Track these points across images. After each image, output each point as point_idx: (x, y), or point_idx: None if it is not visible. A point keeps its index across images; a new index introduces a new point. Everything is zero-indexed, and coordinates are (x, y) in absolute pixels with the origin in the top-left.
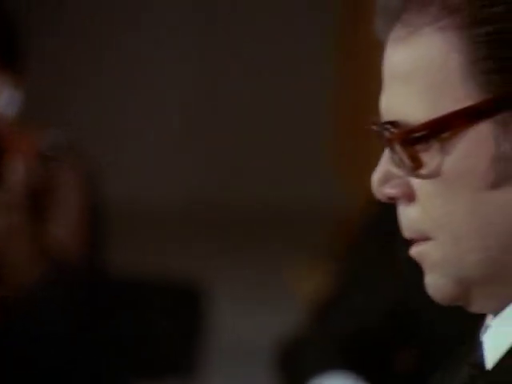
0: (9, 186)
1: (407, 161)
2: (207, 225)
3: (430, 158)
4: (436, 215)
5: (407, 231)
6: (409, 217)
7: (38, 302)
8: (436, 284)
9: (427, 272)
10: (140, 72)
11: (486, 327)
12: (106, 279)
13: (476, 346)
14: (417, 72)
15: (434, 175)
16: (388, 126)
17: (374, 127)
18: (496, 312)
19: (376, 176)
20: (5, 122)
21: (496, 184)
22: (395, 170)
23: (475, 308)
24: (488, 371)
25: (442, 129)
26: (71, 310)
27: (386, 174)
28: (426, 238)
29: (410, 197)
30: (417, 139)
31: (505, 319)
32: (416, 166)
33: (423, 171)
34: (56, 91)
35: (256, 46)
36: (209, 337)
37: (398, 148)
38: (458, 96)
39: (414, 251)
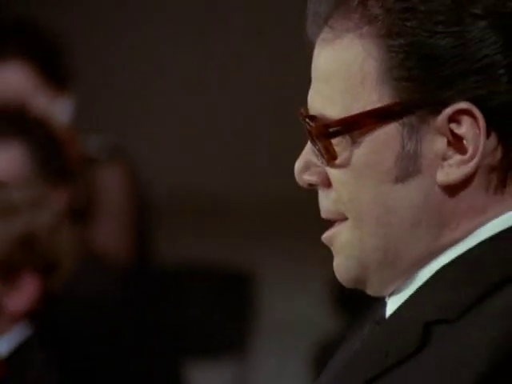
0: (67, 188)
1: (323, 152)
2: (252, 218)
3: (344, 150)
4: (345, 200)
5: (324, 213)
6: (325, 200)
7: (81, 296)
8: (341, 266)
9: (335, 255)
10: (177, 70)
11: (391, 293)
12: (154, 270)
13: (381, 308)
14: (337, 73)
15: (345, 166)
16: (308, 120)
17: (300, 119)
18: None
19: (298, 164)
20: (62, 130)
21: (399, 179)
22: (315, 160)
23: (374, 291)
24: (383, 320)
25: (354, 126)
26: (116, 303)
27: (306, 163)
28: (339, 219)
29: (327, 184)
30: (331, 133)
31: (403, 287)
32: (330, 157)
33: (337, 162)
34: (95, 96)
35: (259, 45)
36: (256, 318)
37: (316, 140)
38: (372, 98)
39: (326, 235)
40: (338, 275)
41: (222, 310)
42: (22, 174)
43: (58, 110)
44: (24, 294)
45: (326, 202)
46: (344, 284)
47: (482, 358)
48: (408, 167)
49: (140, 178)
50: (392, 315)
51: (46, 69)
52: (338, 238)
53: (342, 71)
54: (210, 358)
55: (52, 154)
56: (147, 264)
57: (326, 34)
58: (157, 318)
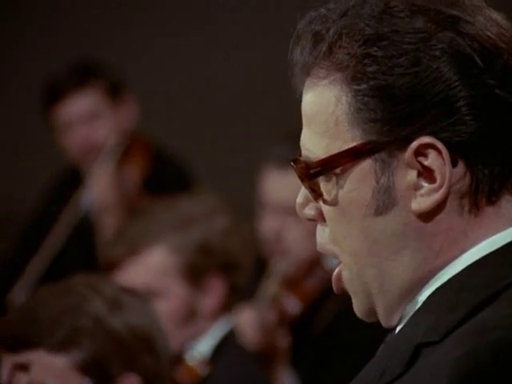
0: None
1: (309, 191)
2: None
3: (331, 189)
4: (338, 238)
5: (319, 246)
6: (321, 236)
7: None
8: (354, 304)
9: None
10: None
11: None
12: None
13: (393, 329)
14: (315, 117)
15: (334, 204)
16: (292, 163)
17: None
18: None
19: (298, 199)
20: None
21: (378, 212)
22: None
23: (383, 321)
24: (389, 341)
25: (331, 166)
26: None
27: (306, 198)
28: (331, 255)
29: (323, 219)
30: (313, 174)
31: (406, 311)
32: (316, 195)
33: (326, 200)
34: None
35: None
36: None
37: (302, 180)
38: (346, 138)
39: (334, 284)
40: (356, 314)
41: None
42: None
43: None
44: (213, 294)
45: (322, 238)
46: (364, 319)
47: (442, 377)
48: (384, 200)
49: None
50: (394, 336)
51: None
52: (343, 279)
53: (319, 116)
54: None
55: None
56: None
57: (308, 82)
58: None
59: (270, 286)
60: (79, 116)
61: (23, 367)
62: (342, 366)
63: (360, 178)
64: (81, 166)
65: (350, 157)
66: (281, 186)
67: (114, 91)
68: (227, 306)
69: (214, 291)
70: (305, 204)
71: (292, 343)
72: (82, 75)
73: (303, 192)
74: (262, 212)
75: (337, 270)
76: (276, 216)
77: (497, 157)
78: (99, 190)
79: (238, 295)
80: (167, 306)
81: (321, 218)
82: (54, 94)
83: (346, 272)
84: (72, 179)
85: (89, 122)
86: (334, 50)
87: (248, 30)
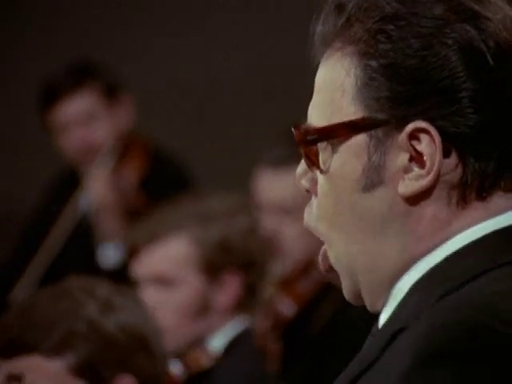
0: None
1: (304, 158)
2: None
3: (325, 159)
4: (327, 214)
5: (305, 224)
6: (309, 212)
7: None
8: (343, 287)
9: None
10: None
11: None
12: None
13: (376, 321)
14: (324, 87)
15: (325, 174)
16: (292, 129)
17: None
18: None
19: (298, 170)
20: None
21: (366, 188)
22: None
23: (368, 305)
24: (374, 333)
25: (329, 135)
26: None
27: (305, 169)
28: (315, 233)
29: (316, 192)
30: (309, 141)
31: (389, 301)
32: (310, 163)
33: (321, 169)
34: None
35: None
36: None
37: (299, 146)
38: (349, 111)
39: (321, 266)
40: (344, 296)
41: None
42: None
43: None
44: (229, 290)
45: (310, 214)
46: (351, 302)
47: (408, 354)
48: (373, 178)
49: None
50: (378, 330)
51: None
52: (330, 259)
53: (328, 86)
54: None
55: None
56: None
57: (326, 52)
58: None
59: (265, 288)
60: (76, 117)
61: (17, 378)
62: (339, 366)
63: (353, 153)
64: (78, 167)
65: (347, 129)
66: (276, 187)
67: (111, 92)
68: (243, 305)
69: (230, 288)
70: (303, 175)
71: (288, 344)
72: (79, 76)
73: (303, 163)
74: (257, 212)
75: (323, 249)
76: (271, 216)
77: (493, 153)
78: (97, 191)
79: (254, 295)
80: (181, 296)
81: (315, 190)
82: (51, 95)
83: (332, 250)
84: (70, 180)
85: (86, 123)
86: (351, 23)
87: (248, 30)
